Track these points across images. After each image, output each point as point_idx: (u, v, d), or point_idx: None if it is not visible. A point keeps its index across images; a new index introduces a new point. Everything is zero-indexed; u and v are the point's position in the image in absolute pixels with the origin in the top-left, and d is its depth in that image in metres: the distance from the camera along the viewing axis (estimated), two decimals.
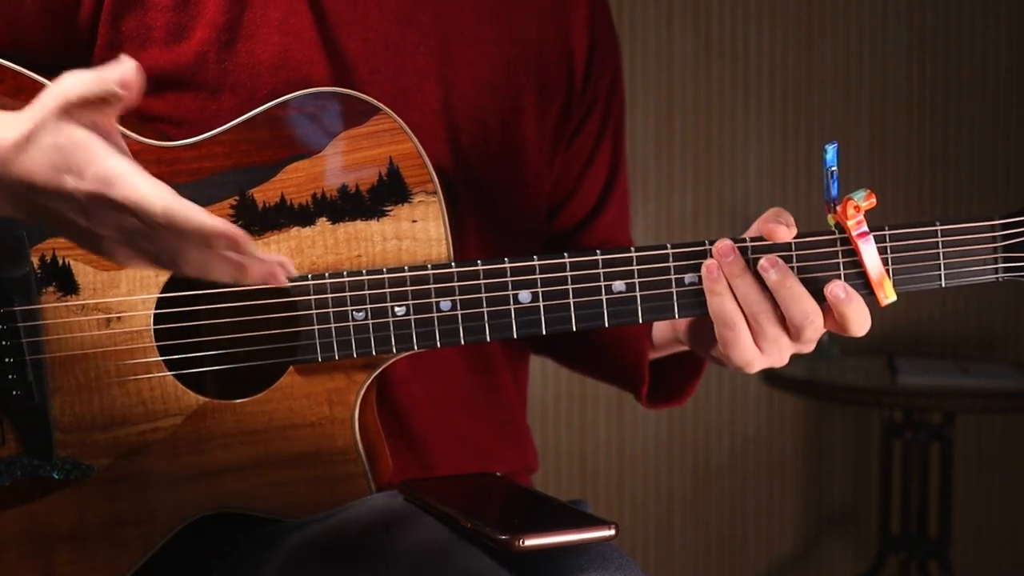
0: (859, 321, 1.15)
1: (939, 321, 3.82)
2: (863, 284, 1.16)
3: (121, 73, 0.93)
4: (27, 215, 1.00)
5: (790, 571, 3.82)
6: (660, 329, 1.37)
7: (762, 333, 1.15)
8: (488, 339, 1.16)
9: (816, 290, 1.15)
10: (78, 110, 0.94)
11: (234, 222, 1.16)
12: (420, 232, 1.18)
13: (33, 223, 1.04)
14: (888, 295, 1.16)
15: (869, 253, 1.15)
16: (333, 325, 1.16)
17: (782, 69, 3.71)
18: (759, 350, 1.17)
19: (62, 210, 0.97)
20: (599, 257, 1.16)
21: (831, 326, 1.17)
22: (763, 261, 1.14)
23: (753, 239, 1.16)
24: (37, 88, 1.14)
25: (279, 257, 0.96)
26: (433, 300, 1.16)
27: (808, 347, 1.18)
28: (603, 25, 1.43)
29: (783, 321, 1.15)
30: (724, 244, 1.15)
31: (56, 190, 0.95)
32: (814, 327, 1.14)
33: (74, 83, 0.94)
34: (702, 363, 1.37)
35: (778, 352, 1.17)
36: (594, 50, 1.41)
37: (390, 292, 1.16)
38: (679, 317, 1.17)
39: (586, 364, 1.50)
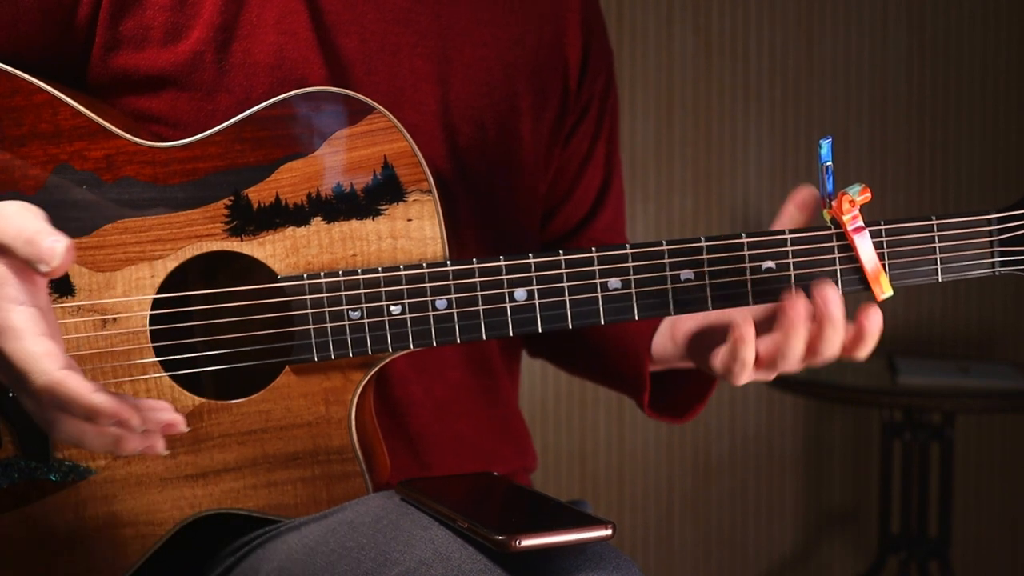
0: (872, 348, 1.16)
1: (939, 321, 3.82)
2: (859, 279, 1.16)
3: (61, 253, 0.93)
4: None
5: (790, 571, 3.82)
6: (660, 344, 1.36)
7: (773, 367, 1.17)
8: (484, 337, 1.16)
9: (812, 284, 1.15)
10: (7, 254, 0.95)
11: (229, 222, 1.16)
12: (415, 231, 1.18)
13: None
14: (884, 290, 1.16)
15: (864, 248, 1.15)
16: (329, 324, 1.16)
17: (782, 69, 3.70)
18: (755, 372, 1.18)
19: None
20: (594, 254, 1.16)
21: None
22: (825, 314, 1.13)
23: (749, 234, 1.16)
24: (32, 90, 1.15)
25: (168, 418, 0.98)
26: (428, 299, 1.16)
27: (797, 368, 1.19)
28: (596, 28, 1.44)
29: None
30: (799, 309, 1.14)
31: None
32: (833, 354, 1.16)
33: (13, 230, 0.94)
34: (708, 390, 1.36)
35: (771, 374, 1.19)
36: (588, 53, 1.42)
37: (385, 291, 1.16)
38: (675, 314, 1.17)
39: (586, 368, 1.50)
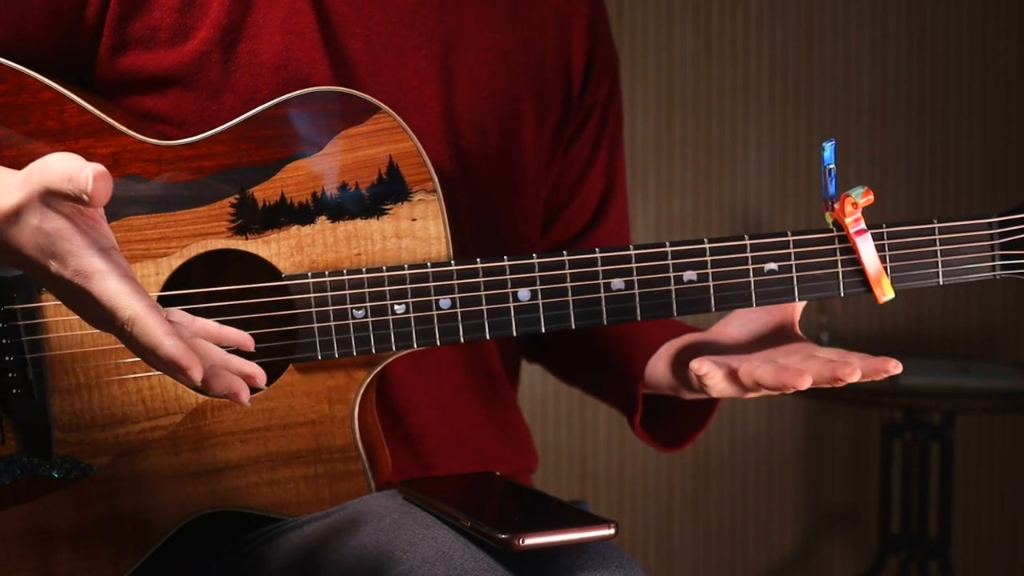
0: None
1: (939, 321, 3.82)
2: (861, 281, 1.16)
3: (91, 178, 0.92)
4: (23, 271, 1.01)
5: (790, 571, 3.82)
6: (652, 368, 1.36)
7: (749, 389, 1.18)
8: (488, 337, 1.16)
9: (815, 286, 1.15)
10: (56, 200, 0.95)
11: (234, 221, 1.16)
12: (420, 230, 1.18)
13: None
14: (886, 292, 1.16)
15: (867, 250, 1.15)
16: (333, 323, 1.16)
17: (782, 69, 3.71)
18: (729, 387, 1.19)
19: (49, 286, 0.98)
20: (598, 255, 1.17)
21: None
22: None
23: (752, 236, 1.16)
24: (39, 87, 1.15)
25: (250, 369, 0.98)
26: (433, 298, 1.16)
27: None
28: (602, 35, 1.44)
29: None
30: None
31: (42, 269, 0.96)
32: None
33: (52, 175, 0.94)
34: (707, 417, 1.36)
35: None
36: (592, 59, 1.42)
37: (390, 290, 1.16)
38: (677, 315, 1.17)
39: (582, 381, 1.51)
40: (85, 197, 0.93)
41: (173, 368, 0.94)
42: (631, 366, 1.36)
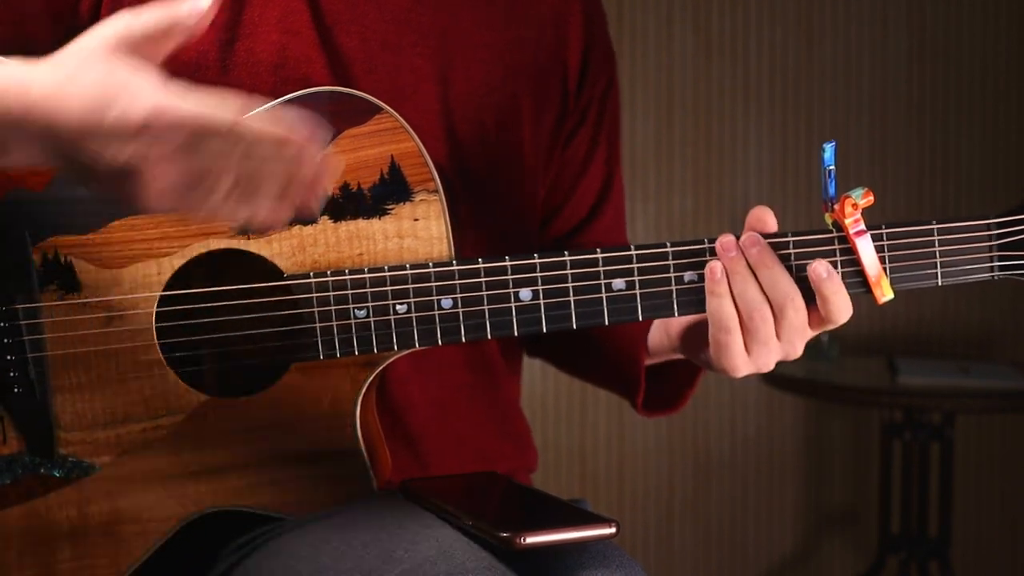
0: (841, 305, 1.14)
1: (939, 321, 3.82)
2: (860, 282, 1.16)
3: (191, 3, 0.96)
4: (60, 160, 0.98)
5: (790, 571, 3.82)
6: (655, 338, 1.37)
7: (754, 334, 1.15)
8: (489, 336, 1.17)
9: (809, 288, 1.15)
10: (132, 47, 0.96)
11: None
12: (421, 230, 1.18)
13: (63, 168, 1.00)
14: (885, 293, 1.16)
15: (866, 251, 1.15)
16: (335, 323, 1.16)
17: (782, 69, 3.71)
18: (747, 353, 1.16)
19: (100, 149, 0.95)
20: (599, 255, 1.17)
21: (815, 320, 1.17)
22: (745, 239, 1.14)
23: None
24: None
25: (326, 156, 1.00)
26: (434, 298, 1.16)
27: (792, 348, 1.17)
28: (598, 33, 1.44)
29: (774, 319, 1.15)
30: (728, 239, 1.15)
31: (95, 127, 0.94)
32: (794, 307, 1.14)
33: (136, 20, 0.97)
34: (697, 373, 1.36)
35: (766, 355, 1.16)
36: (589, 57, 1.41)
37: (391, 290, 1.16)
38: (678, 315, 1.18)
39: (582, 369, 1.51)
40: (187, 20, 0.97)
41: (290, 149, 0.95)
42: (631, 347, 1.36)
